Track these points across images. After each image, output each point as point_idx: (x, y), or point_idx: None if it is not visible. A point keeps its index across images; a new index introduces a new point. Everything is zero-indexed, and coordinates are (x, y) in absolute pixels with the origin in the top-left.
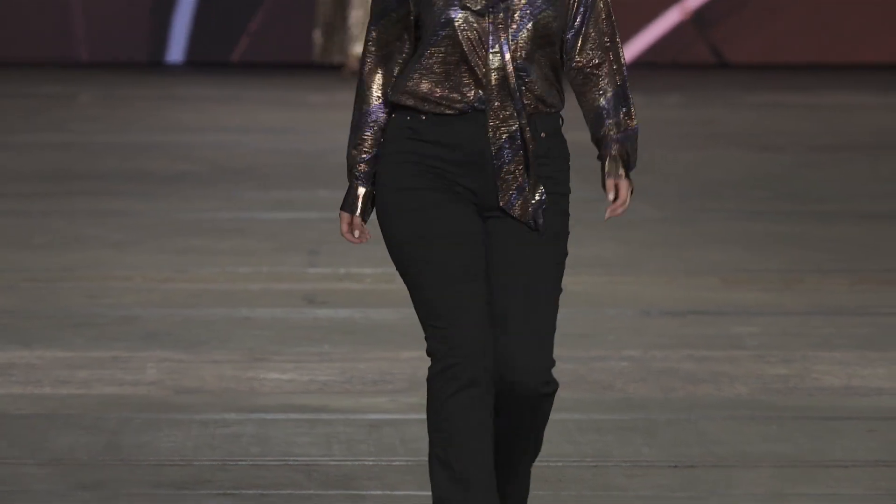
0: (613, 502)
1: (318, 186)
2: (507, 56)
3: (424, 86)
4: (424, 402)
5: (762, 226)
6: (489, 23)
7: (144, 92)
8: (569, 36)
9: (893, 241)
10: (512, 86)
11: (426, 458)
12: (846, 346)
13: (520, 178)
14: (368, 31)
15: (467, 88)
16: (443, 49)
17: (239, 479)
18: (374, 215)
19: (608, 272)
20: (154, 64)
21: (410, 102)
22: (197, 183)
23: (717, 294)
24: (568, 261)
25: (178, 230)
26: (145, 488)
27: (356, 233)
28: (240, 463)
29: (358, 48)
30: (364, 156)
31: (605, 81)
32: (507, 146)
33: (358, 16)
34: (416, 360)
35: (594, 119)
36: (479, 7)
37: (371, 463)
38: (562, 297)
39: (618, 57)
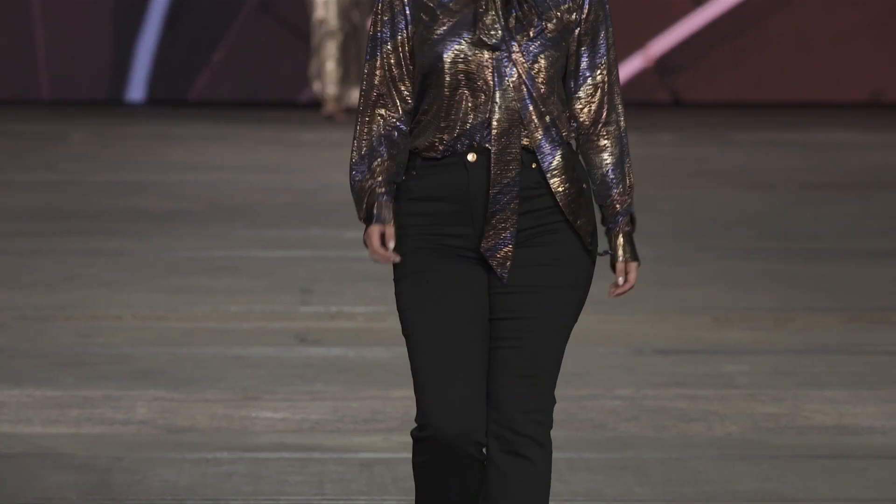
0: None
1: (311, 225)
2: (510, 95)
3: (426, 125)
4: None
5: (754, 264)
6: (497, 58)
7: (135, 130)
8: (571, 80)
9: (885, 280)
10: (518, 123)
11: None
12: (838, 384)
13: (510, 226)
14: (369, 59)
15: (471, 127)
16: (439, 85)
17: None
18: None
19: (600, 310)
20: (114, 102)
21: (414, 144)
22: (189, 221)
23: (709, 332)
24: None
25: (171, 269)
26: None
27: (391, 244)
28: (231, 502)
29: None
30: (380, 178)
31: (610, 143)
32: (505, 190)
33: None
34: (408, 399)
35: (599, 184)
36: (493, 41)
37: (363, 502)
38: None
39: (619, 112)
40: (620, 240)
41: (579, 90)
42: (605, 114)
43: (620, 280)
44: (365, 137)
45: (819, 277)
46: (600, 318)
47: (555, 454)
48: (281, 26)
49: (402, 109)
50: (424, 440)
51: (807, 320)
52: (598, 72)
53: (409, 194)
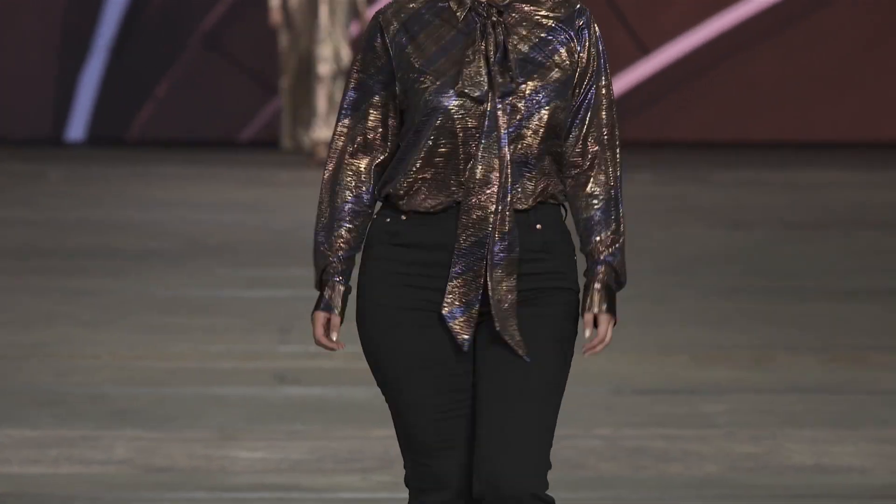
0: None
1: (290, 264)
2: (506, 149)
3: (410, 180)
4: (395, 480)
5: (734, 303)
6: (489, 111)
7: (111, 170)
8: (565, 122)
9: (866, 319)
10: (504, 181)
11: None
12: (817, 424)
13: (475, 288)
14: (342, 119)
15: (456, 183)
16: (433, 139)
17: None
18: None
19: (578, 349)
20: (54, 141)
21: (394, 199)
22: (167, 260)
23: (689, 372)
24: None
25: (149, 308)
26: None
27: (334, 335)
28: None
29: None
30: (340, 253)
31: (599, 188)
32: (475, 247)
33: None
34: (387, 439)
35: (583, 229)
36: (478, 94)
37: None
38: None
39: (614, 157)
40: (596, 285)
41: (571, 137)
42: (597, 159)
43: (587, 333)
44: (329, 203)
45: (799, 316)
46: (579, 356)
47: None
48: (227, 62)
49: (372, 173)
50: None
51: (786, 359)
52: (594, 117)
53: (394, 238)
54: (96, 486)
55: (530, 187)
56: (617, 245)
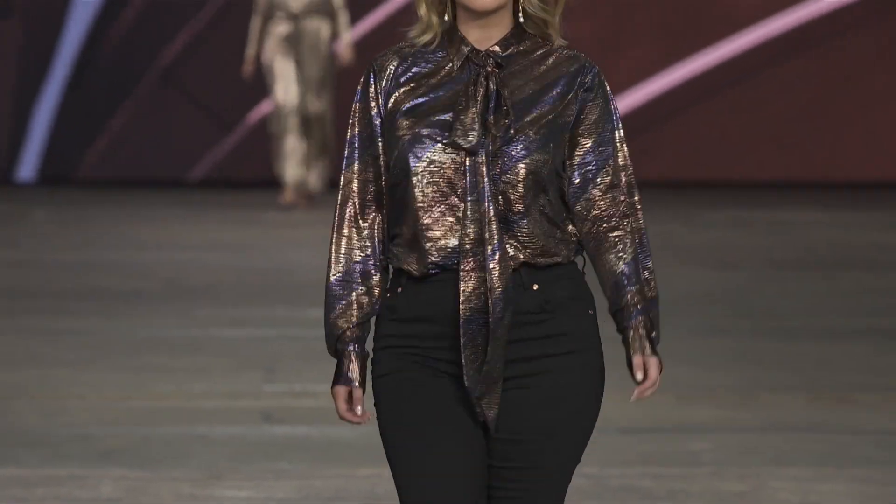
0: None
1: (274, 304)
2: (493, 206)
3: (399, 242)
4: None
5: (719, 342)
6: (476, 164)
7: (98, 210)
8: (576, 181)
9: (850, 359)
10: (486, 240)
11: None
12: (802, 462)
13: (482, 353)
14: (344, 174)
15: (446, 243)
16: (417, 193)
17: None
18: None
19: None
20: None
21: (392, 263)
22: (153, 300)
23: (674, 411)
24: None
25: (134, 348)
26: None
27: (358, 409)
28: None
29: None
30: (354, 320)
31: (625, 242)
32: (477, 314)
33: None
34: (373, 477)
35: (613, 287)
36: (468, 144)
37: None
38: None
39: (635, 207)
40: (639, 332)
41: (586, 195)
42: (618, 214)
43: (639, 375)
44: (342, 260)
45: (783, 356)
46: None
47: None
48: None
49: (379, 229)
50: None
51: (771, 398)
52: (607, 172)
53: (392, 314)
54: None
55: (525, 245)
56: (651, 297)
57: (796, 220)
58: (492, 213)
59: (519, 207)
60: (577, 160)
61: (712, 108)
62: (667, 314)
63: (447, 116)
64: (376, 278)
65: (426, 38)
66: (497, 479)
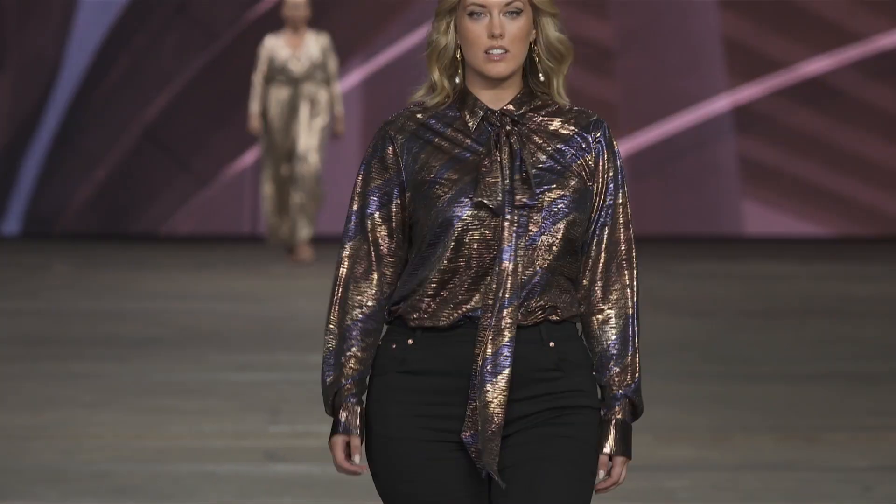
0: None
1: (278, 350)
2: (517, 263)
3: (423, 295)
4: None
5: (694, 386)
6: (505, 223)
7: (112, 261)
8: (581, 237)
9: (816, 401)
10: (518, 297)
11: None
12: (773, 499)
13: (498, 411)
14: (347, 240)
15: (468, 298)
16: (447, 252)
17: None
18: None
19: None
20: None
21: (405, 316)
22: (165, 347)
23: (652, 450)
24: None
25: (147, 391)
26: None
27: (356, 458)
28: None
29: (304, 232)
30: (353, 374)
31: (614, 313)
32: (490, 368)
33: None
34: None
35: (598, 358)
36: (495, 204)
37: None
38: None
39: (632, 278)
40: (613, 422)
41: (588, 253)
42: (612, 284)
43: (601, 474)
44: (338, 323)
45: (754, 399)
46: None
47: None
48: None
49: (383, 288)
50: None
51: (743, 439)
52: (612, 229)
53: (402, 366)
54: None
55: (545, 303)
56: (635, 377)
57: (764, 273)
58: (519, 270)
59: (546, 265)
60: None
61: (686, 168)
62: (646, 359)
63: (470, 176)
64: (374, 336)
65: (437, 100)
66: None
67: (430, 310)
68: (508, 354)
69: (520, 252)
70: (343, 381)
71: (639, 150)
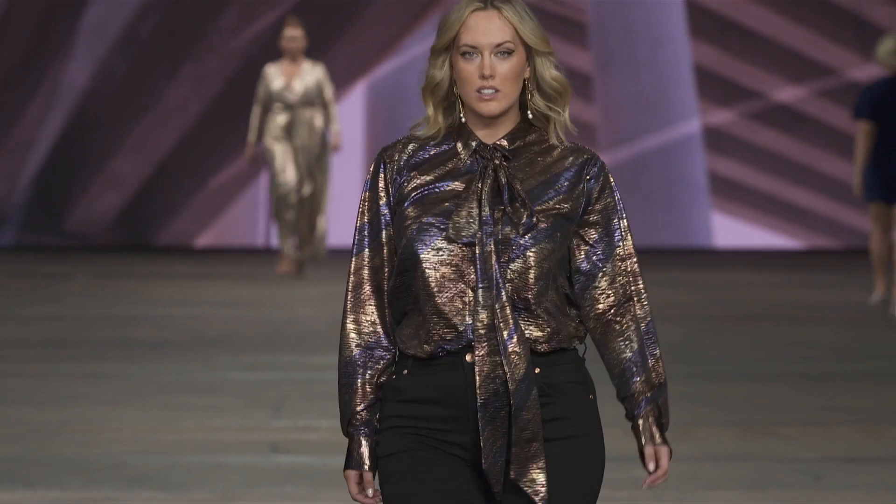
0: None
1: (281, 352)
2: (497, 292)
3: (403, 326)
4: None
5: None
6: (482, 254)
7: (131, 272)
8: (584, 269)
9: (771, 398)
10: (501, 326)
11: None
12: (733, 487)
13: (501, 438)
14: (353, 262)
15: (454, 329)
16: (415, 281)
17: None
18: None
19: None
20: None
21: (400, 347)
22: (177, 349)
23: (622, 443)
24: None
25: (160, 389)
26: None
27: (370, 491)
28: None
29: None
30: (364, 403)
31: (631, 329)
32: (493, 398)
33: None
34: None
35: (620, 375)
36: (466, 238)
37: None
38: None
39: (640, 294)
40: (648, 422)
41: (594, 283)
42: (624, 302)
43: (651, 466)
44: (353, 344)
45: (716, 396)
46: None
47: None
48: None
49: (388, 314)
50: None
51: (705, 432)
52: (613, 262)
53: (398, 395)
54: None
55: (532, 331)
56: (658, 385)
57: (724, 282)
58: (504, 299)
59: (528, 294)
60: (585, 250)
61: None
62: None
63: (451, 205)
64: (386, 361)
65: (431, 132)
66: None
67: (413, 339)
68: (522, 381)
69: (505, 281)
70: (356, 408)
71: (615, 166)
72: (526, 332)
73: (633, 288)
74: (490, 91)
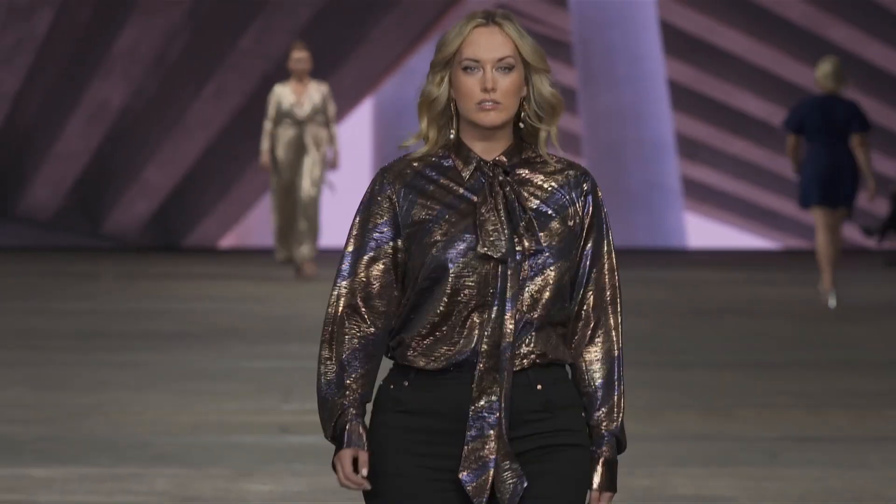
0: None
1: (289, 342)
2: (516, 310)
3: (412, 339)
4: None
5: (632, 372)
6: (501, 272)
7: (152, 270)
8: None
9: (731, 384)
10: (511, 342)
11: None
12: (696, 464)
13: (489, 453)
14: (341, 280)
15: (466, 344)
16: (441, 298)
17: None
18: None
19: None
20: None
21: (400, 358)
22: (195, 340)
23: None
24: None
25: (181, 376)
26: None
27: (364, 471)
28: None
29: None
30: (354, 397)
31: (600, 356)
32: (486, 412)
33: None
34: None
35: (587, 400)
36: (499, 254)
37: None
38: None
39: (616, 322)
40: (601, 460)
41: (579, 295)
42: (598, 325)
43: None
44: (336, 352)
45: (681, 383)
46: None
47: None
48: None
49: (379, 323)
50: None
51: (672, 415)
52: (598, 276)
53: (397, 406)
54: None
55: (534, 348)
56: (620, 416)
57: (688, 280)
58: (516, 317)
59: (541, 312)
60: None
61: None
62: None
63: (470, 224)
64: (373, 361)
65: (426, 149)
66: None
67: (423, 352)
68: (499, 398)
69: (515, 298)
70: (346, 404)
71: (597, 172)
72: (535, 348)
73: (611, 303)
74: (491, 103)
